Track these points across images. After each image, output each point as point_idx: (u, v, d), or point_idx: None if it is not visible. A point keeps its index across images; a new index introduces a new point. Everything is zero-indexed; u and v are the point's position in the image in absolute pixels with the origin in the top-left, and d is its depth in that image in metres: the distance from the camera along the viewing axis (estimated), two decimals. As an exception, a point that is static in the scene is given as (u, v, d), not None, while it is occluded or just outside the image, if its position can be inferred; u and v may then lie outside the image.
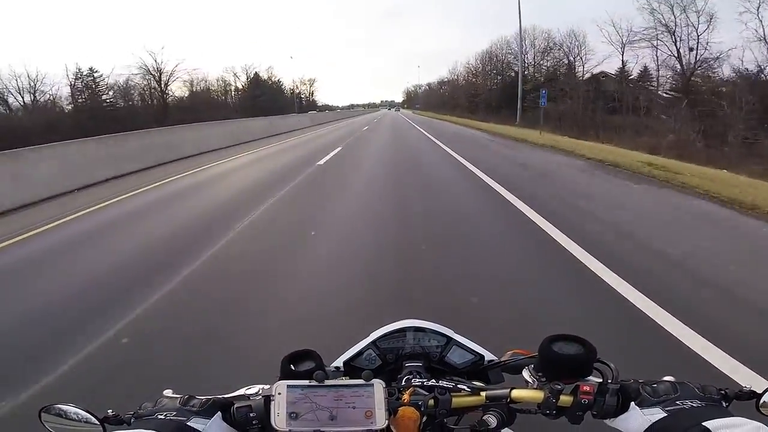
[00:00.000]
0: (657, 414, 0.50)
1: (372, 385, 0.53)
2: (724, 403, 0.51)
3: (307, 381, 0.53)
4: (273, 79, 56.60)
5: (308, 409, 0.52)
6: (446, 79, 58.91)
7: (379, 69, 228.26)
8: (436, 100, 64.04)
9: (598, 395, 0.53)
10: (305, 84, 69.40)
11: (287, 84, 60.11)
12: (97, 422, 0.54)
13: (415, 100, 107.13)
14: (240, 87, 51.80)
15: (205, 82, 46.44)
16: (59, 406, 0.55)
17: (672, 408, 0.49)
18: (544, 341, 0.57)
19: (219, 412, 0.54)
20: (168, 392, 0.57)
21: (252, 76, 52.12)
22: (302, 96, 65.13)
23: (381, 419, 0.52)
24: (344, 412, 0.52)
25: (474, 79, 42.91)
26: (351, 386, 0.53)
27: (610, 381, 0.54)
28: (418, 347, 0.69)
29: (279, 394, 0.53)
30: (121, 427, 0.53)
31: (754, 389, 0.52)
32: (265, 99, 49.09)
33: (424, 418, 0.56)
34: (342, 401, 0.52)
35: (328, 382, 0.53)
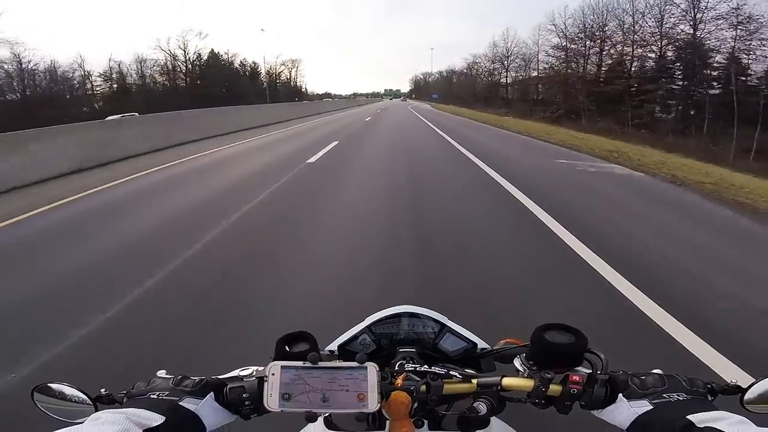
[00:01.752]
0: (643, 407, 0.51)
1: (365, 368, 0.53)
2: (710, 397, 0.53)
3: (301, 362, 0.54)
4: (233, 58, 45.37)
5: (301, 390, 0.52)
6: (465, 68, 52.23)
7: (383, 59, 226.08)
8: (464, 91, 53.04)
9: (587, 386, 0.54)
10: (285, 66, 55.25)
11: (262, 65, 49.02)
12: (89, 401, 0.54)
13: (425, 89, 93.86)
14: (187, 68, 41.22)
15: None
16: (52, 385, 0.55)
17: (658, 401, 0.50)
18: (536, 330, 0.58)
19: (211, 392, 0.55)
20: (161, 373, 0.57)
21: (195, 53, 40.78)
22: (279, 81, 52.89)
23: (373, 402, 0.52)
24: (337, 395, 0.52)
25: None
26: (345, 369, 0.53)
27: (599, 372, 0.55)
28: (412, 333, 0.70)
29: (272, 374, 0.53)
30: (114, 406, 0.54)
31: (740, 384, 0.53)
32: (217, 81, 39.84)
33: (416, 404, 0.57)
34: (335, 383, 0.53)
35: (322, 364, 0.53)
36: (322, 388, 0.52)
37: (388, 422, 0.58)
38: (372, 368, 0.53)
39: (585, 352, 0.56)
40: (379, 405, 0.52)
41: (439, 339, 0.69)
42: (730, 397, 0.53)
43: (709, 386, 0.53)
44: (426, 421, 0.61)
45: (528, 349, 0.60)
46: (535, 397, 0.56)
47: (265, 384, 0.53)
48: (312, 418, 0.52)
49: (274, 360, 0.55)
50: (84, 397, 0.54)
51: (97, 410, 0.53)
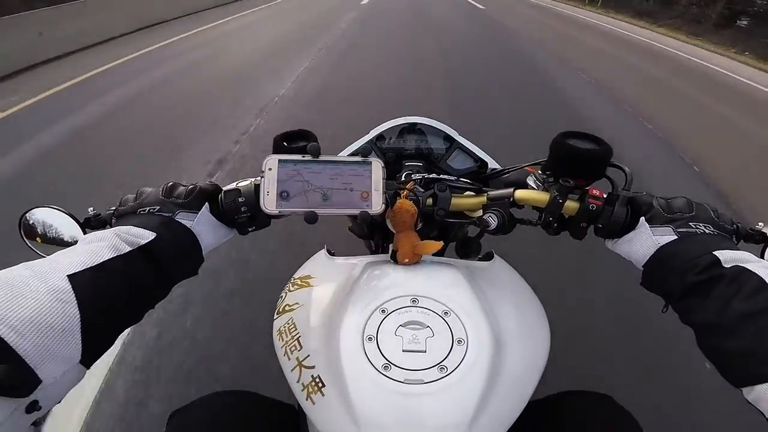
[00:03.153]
0: (667, 236, 0.45)
1: (370, 162, 0.48)
2: (734, 238, 0.47)
3: (301, 156, 0.48)
4: None
5: (300, 189, 0.48)
6: None
7: None
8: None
9: (607, 204, 0.49)
10: None
11: None
12: (76, 224, 0.49)
13: None
14: None
15: None
16: (38, 209, 0.49)
17: (684, 230, 0.45)
18: (558, 136, 0.52)
19: (207, 204, 0.48)
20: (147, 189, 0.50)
21: None
22: None
23: (378, 203, 0.48)
24: (339, 193, 0.48)
25: None
26: (348, 163, 0.49)
27: (621, 188, 0.50)
28: (419, 150, 0.65)
29: (269, 170, 0.47)
30: (103, 228, 0.48)
31: (766, 231, 0.48)
32: None
33: (421, 220, 0.54)
34: (338, 180, 0.48)
35: (323, 158, 0.48)
36: (322, 186, 0.48)
37: (390, 246, 0.55)
38: (377, 163, 0.49)
39: (608, 165, 0.51)
40: (383, 206, 0.49)
41: (448, 155, 0.64)
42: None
43: (735, 225, 0.47)
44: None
45: (544, 162, 0.54)
46: (550, 215, 0.51)
47: (262, 182, 0.48)
48: (312, 218, 0.47)
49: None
50: (71, 220, 0.49)
51: (85, 234, 0.49)
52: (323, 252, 0.62)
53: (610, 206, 0.49)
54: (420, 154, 0.65)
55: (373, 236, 0.71)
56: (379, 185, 0.48)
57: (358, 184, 0.48)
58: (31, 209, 0.50)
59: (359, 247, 0.78)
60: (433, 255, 0.58)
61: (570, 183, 0.50)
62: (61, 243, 0.50)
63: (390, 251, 0.55)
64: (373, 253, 0.65)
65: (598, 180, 0.51)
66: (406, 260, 0.53)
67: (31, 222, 0.50)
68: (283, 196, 0.48)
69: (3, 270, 0.35)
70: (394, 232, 0.54)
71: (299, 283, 0.58)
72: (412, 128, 0.65)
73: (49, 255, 0.39)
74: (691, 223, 0.45)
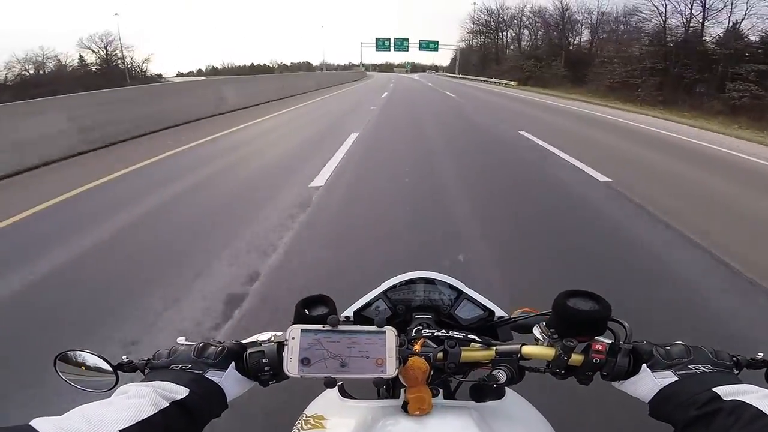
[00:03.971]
0: (668, 378, 0.49)
1: (384, 332, 0.52)
2: (735, 370, 0.51)
3: (321, 326, 0.53)
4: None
5: (320, 356, 0.52)
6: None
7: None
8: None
9: (609, 355, 0.53)
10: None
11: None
12: (110, 369, 0.54)
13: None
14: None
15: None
16: (73, 352, 0.54)
17: (684, 372, 0.49)
18: (559, 296, 0.56)
19: (233, 362, 0.54)
20: (181, 340, 0.57)
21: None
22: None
23: (392, 368, 0.51)
24: (356, 360, 0.52)
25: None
26: (364, 332, 0.53)
27: (622, 341, 0.53)
28: (428, 300, 0.69)
29: (293, 338, 0.52)
30: (135, 374, 0.53)
31: (767, 358, 0.52)
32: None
33: (432, 372, 0.56)
34: (354, 348, 0.52)
35: (341, 327, 0.53)
36: (340, 354, 0.52)
37: (403, 390, 0.58)
38: (391, 332, 0.53)
39: (608, 320, 0.54)
40: (397, 371, 0.52)
41: (456, 306, 0.68)
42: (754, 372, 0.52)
43: (735, 359, 0.52)
44: (441, 390, 0.61)
45: (548, 317, 0.58)
46: (556, 366, 0.54)
47: (285, 348, 0.53)
48: (331, 383, 0.51)
49: (293, 324, 0.54)
50: (106, 365, 0.54)
51: (117, 378, 0.54)
52: (335, 392, 0.64)
53: (613, 357, 0.53)
54: (429, 306, 0.69)
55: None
56: (393, 352, 0.52)
57: (373, 351, 0.52)
58: (66, 352, 0.54)
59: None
60: (446, 397, 0.60)
61: (573, 343, 0.54)
62: (95, 386, 0.55)
63: (401, 400, 0.58)
64: (380, 393, 0.67)
65: (600, 335, 0.55)
66: (417, 413, 0.55)
67: (66, 363, 0.55)
68: (304, 362, 0.52)
69: (59, 417, 0.39)
70: (406, 386, 0.56)
71: (312, 422, 0.60)
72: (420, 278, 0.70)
73: (84, 390, 0.50)
74: (690, 366, 0.50)
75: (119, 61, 43.20)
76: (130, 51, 48.43)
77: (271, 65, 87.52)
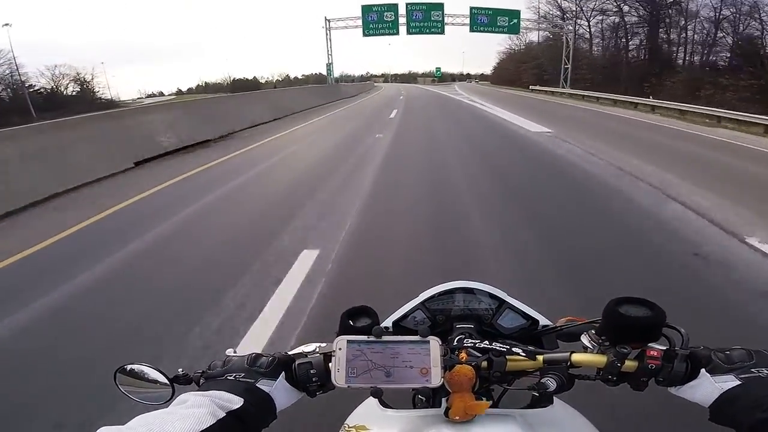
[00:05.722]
0: (730, 382, 0.47)
1: (428, 342, 0.52)
2: None
3: (366, 337, 0.53)
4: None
5: (365, 367, 0.52)
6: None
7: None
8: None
9: (665, 361, 0.51)
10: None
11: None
12: (167, 381, 0.56)
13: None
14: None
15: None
16: (132, 366, 0.57)
17: (747, 375, 0.47)
18: (610, 303, 0.54)
19: (283, 372, 0.56)
20: (230, 351, 0.59)
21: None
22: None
23: (437, 377, 0.51)
24: (400, 371, 0.52)
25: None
26: (408, 342, 0.53)
27: (679, 347, 0.52)
28: (467, 309, 0.68)
29: (339, 349, 0.53)
30: (190, 386, 0.55)
31: None
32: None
33: (477, 381, 0.56)
34: (398, 359, 0.52)
35: (385, 338, 0.53)
36: (384, 364, 0.52)
37: (444, 399, 0.57)
38: (435, 342, 0.52)
39: (663, 327, 0.53)
40: (442, 380, 0.52)
41: (498, 315, 0.67)
42: None
43: None
44: (484, 398, 0.59)
45: (598, 325, 0.57)
46: (608, 373, 0.53)
47: (333, 359, 0.53)
48: (377, 393, 0.51)
49: (338, 335, 0.55)
50: (162, 377, 0.56)
51: (174, 391, 0.55)
52: (375, 402, 0.63)
53: (669, 363, 0.51)
54: (469, 316, 0.67)
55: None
56: (437, 362, 0.52)
57: (417, 361, 0.52)
58: (125, 366, 0.57)
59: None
60: (490, 406, 0.58)
61: (627, 350, 0.52)
62: (152, 398, 0.56)
63: (443, 406, 0.57)
64: (417, 404, 0.66)
65: (654, 341, 0.54)
66: (457, 417, 0.54)
67: (124, 375, 0.57)
68: (350, 373, 0.52)
69: (123, 427, 0.41)
70: (451, 392, 0.55)
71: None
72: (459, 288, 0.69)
73: (142, 403, 0.53)
74: (753, 369, 0.47)
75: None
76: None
77: (260, 79, 72.20)
